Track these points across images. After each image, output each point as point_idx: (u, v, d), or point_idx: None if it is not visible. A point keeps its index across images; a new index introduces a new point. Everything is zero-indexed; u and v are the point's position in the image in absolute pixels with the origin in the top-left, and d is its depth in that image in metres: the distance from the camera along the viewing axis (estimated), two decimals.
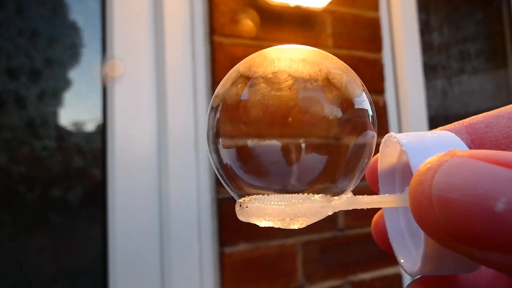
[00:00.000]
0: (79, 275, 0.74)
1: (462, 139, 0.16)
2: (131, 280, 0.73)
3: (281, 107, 0.17)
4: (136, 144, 0.76)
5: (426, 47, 1.16)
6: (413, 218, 0.13)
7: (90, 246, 0.76)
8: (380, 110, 0.95)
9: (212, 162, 0.19)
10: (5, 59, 0.72)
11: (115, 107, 0.75)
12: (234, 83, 0.18)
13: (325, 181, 0.17)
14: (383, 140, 0.18)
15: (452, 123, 0.18)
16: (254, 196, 0.17)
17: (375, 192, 0.20)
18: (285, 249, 0.80)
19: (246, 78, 0.18)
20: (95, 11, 0.79)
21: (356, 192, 0.18)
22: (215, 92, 0.19)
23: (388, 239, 0.19)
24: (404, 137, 0.16)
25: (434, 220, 0.12)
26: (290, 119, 0.17)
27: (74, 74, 0.78)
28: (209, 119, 0.18)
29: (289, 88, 0.17)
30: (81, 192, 0.75)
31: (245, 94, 0.17)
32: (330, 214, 0.17)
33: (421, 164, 0.13)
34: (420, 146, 0.15)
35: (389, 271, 0.91)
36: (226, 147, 0.18)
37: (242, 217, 0.17)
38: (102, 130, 0.77)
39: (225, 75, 0.19)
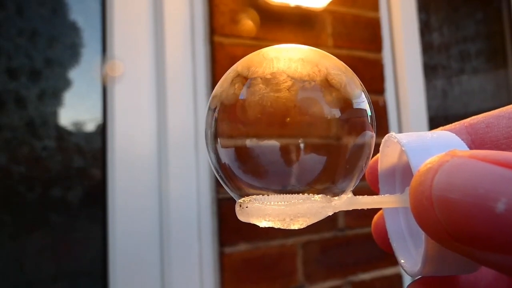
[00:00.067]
0: (79, 275, 0.74)
1: (462, 139, 0.16)
2: (131, 280, 0.73)
3: (279, 108, 0.17)
4: (136, 144, 0.76)
5: (426, 47, 1.15)
6: (413, 218, 0.13)
7: (90, 246, 0.76)
8: (380, 110, 0.95)
9: (210, 162, 0.19)
10: (5, 59, 0.72)
11: (115, 107, 0.75)
12: (232, 83, 0.18)
13: (325, 182, 0.17)
14: (383, 140, 0.18)
15: (453, 123, 0.18)
16: (254, 197, 0.17)
17: (375, 192, 0.20)
18: (285, 249, 0.80)
19: (244, 78, 0.18)
20: (95, 11, 0.79)
21: (356, 192, 0.18)
22: (213, 92, 0.19)
23: (388, 239, 0.19)
24: (404, 137, 0.16)
25: (435, 221, 0.12)
26: (288, 119, 0.17)
27: (74, 74, 0.78)
28: (207, 119, 0.18)
29: (287, 89, 0.17)
30: (81, 192, 0.75)
31: (243, 94, 0.17)
32: (330, 214, 0.17)
33: (421, 165, 0.13)
34: (421, 146, 0.15)
35: (389, 271, 0.91)
36: (225, 147, 0.18)
37: (242, 217, 0.17)
38: (102, 130, 0.77)
39: None
